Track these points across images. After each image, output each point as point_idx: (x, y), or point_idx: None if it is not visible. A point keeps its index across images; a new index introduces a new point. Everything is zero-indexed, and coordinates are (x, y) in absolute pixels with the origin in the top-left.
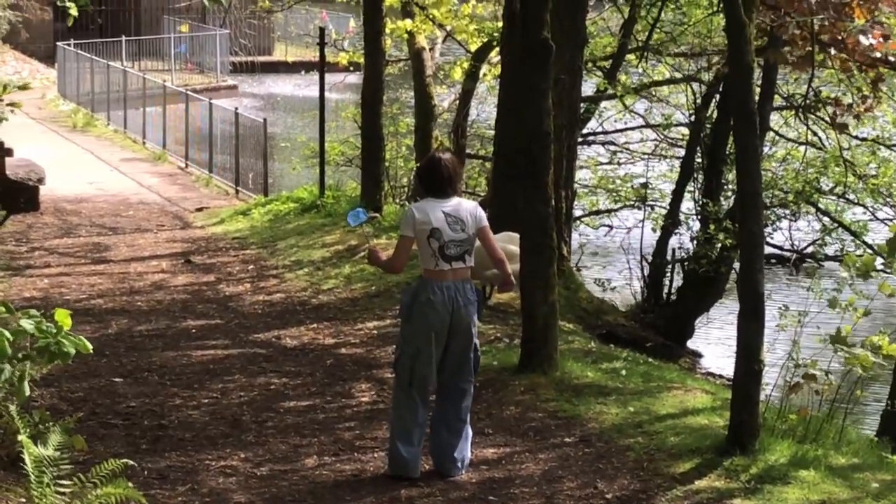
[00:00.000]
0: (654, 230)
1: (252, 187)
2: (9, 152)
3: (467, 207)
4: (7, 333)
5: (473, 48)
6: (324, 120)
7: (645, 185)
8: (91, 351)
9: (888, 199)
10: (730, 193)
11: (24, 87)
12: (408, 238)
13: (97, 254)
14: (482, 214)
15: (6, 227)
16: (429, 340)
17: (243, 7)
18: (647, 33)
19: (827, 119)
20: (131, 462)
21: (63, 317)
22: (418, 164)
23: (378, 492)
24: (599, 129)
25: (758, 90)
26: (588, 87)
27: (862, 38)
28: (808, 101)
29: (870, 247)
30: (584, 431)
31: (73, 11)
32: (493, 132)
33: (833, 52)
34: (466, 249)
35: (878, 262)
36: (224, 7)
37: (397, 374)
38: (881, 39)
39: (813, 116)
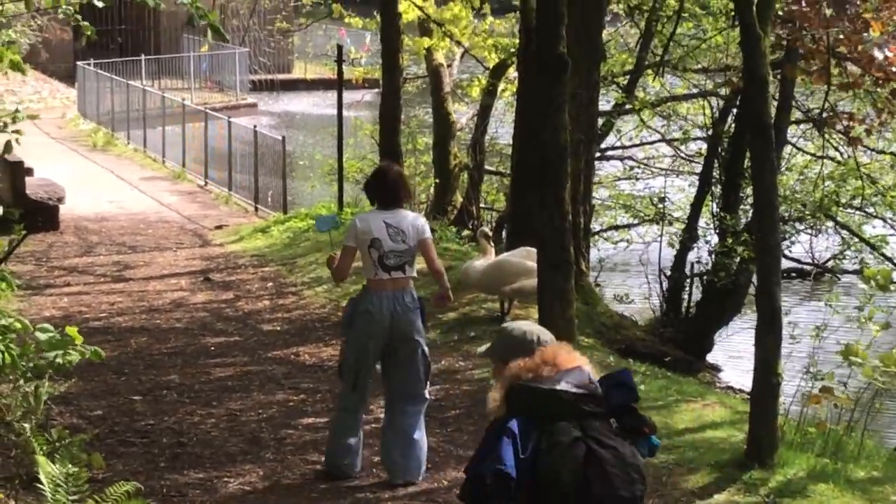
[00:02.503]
0: (671, 245)
1: (271, 205)
2: (29, 172)
3: (410, 219)
4: (15, 348)
5: (491, 65)
6: (342, 136)
7: (662, 200)
8: (104, 357)
9: None
10: (748, 207)
11: (32, 117)
12: (350, 248)
13: (117, 272)
14: (425, 226)
15: (27, 246)
16: (366, 347)
17: (262, 26)
18: (663, 48)
19: (842, 131)
20: (143, 487)
21: (73, 333)
22: (367, 176)
23: None
24: (618, 145)
25: (775, 104)
26: (607, 104)
27: (876, 52)
28: (824, 116)
29: (889, 260)
30: None
31: (89, 32)
32: (511, 149)
33: (849, 66)
34: (407, 260)
35: None
36: (227, 38)
37: (342, 379)
38: None
39: (831, 130)
